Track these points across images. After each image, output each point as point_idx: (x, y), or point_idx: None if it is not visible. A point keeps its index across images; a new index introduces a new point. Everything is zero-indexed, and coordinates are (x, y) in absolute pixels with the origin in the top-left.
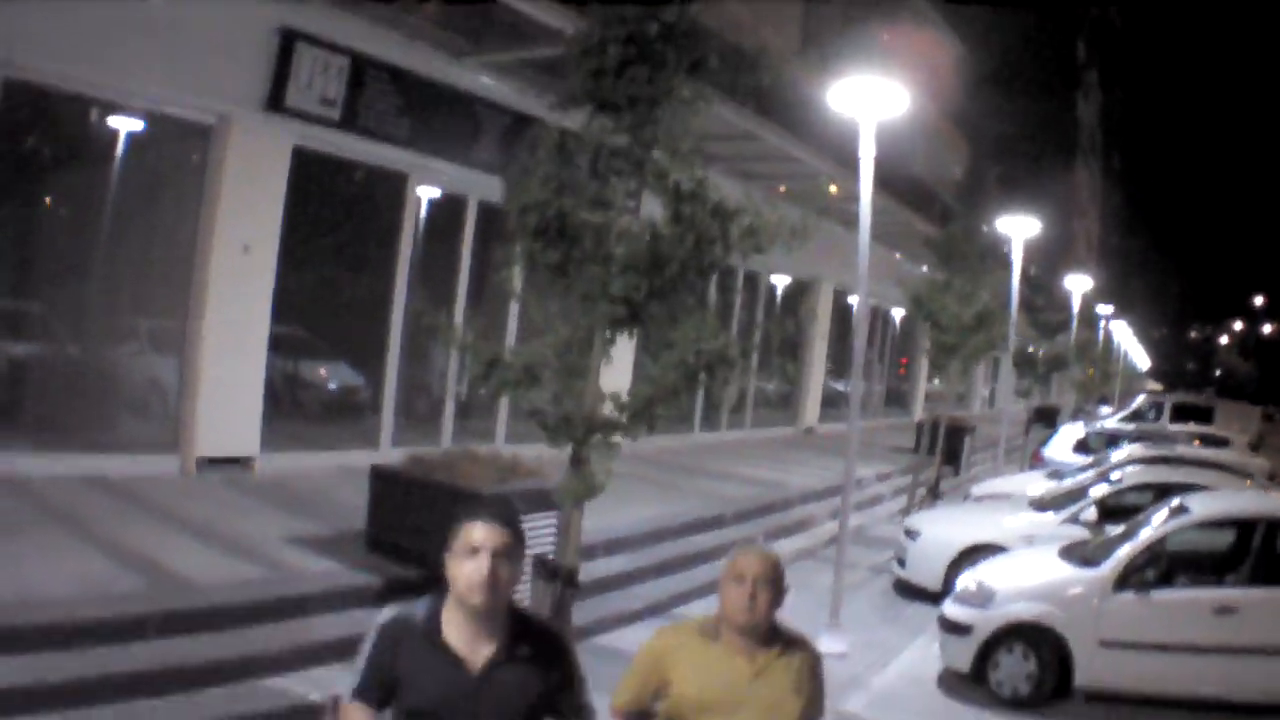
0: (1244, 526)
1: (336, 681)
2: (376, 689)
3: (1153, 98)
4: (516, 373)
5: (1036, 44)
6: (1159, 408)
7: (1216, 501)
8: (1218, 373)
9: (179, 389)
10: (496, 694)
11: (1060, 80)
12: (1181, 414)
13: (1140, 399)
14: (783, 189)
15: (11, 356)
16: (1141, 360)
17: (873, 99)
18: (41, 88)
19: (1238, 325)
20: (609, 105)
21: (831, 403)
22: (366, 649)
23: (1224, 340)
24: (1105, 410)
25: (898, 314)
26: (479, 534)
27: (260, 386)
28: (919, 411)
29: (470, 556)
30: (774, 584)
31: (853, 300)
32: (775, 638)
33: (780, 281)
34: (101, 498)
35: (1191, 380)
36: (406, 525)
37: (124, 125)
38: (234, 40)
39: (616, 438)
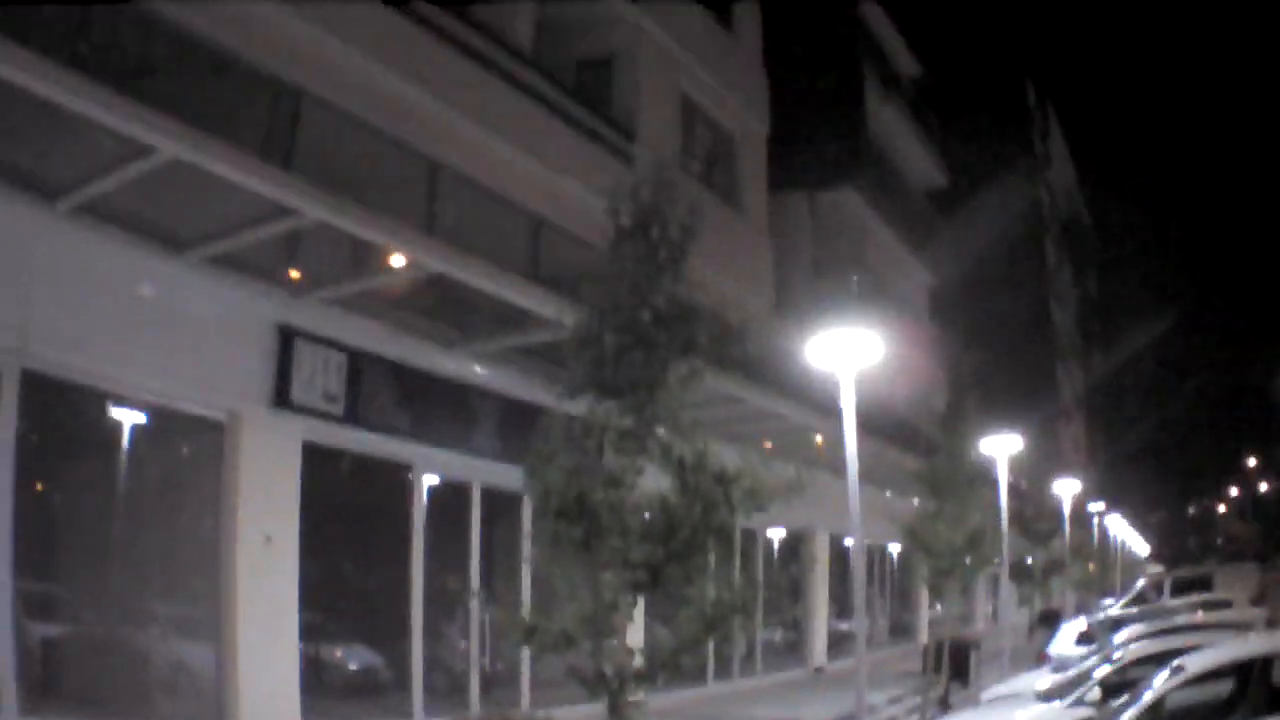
0: (1241, 669)
1: None
2: None
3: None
4: (555, 637)
5: (1005, 258)
6: (1159, 587)
7: (1209, 654)
8: (1219, 541)
9: (217, 675)
10: None
11: (1033, 287)
12: (1181, 588)
13: (1140, 583)
14: (768, 445)
15: (46, 638)
16: (1141, 547)
17: (849, 350)
18: (57, 380)
19: (1234, 491)
20: (610, 390)
21: (837, 643)
22: None
23: (1222, 509)
24: (1108, 602)
25: (894, 548)
26: None
27: (296, 670)
28: (924, 638)
29: None
30: None
31: (849, 543)
32: None
33: (777, 534)
34: None
35: (1194, 555)
36: None
37: (137, 419)
38: (237, 338)
39: (642, 693)
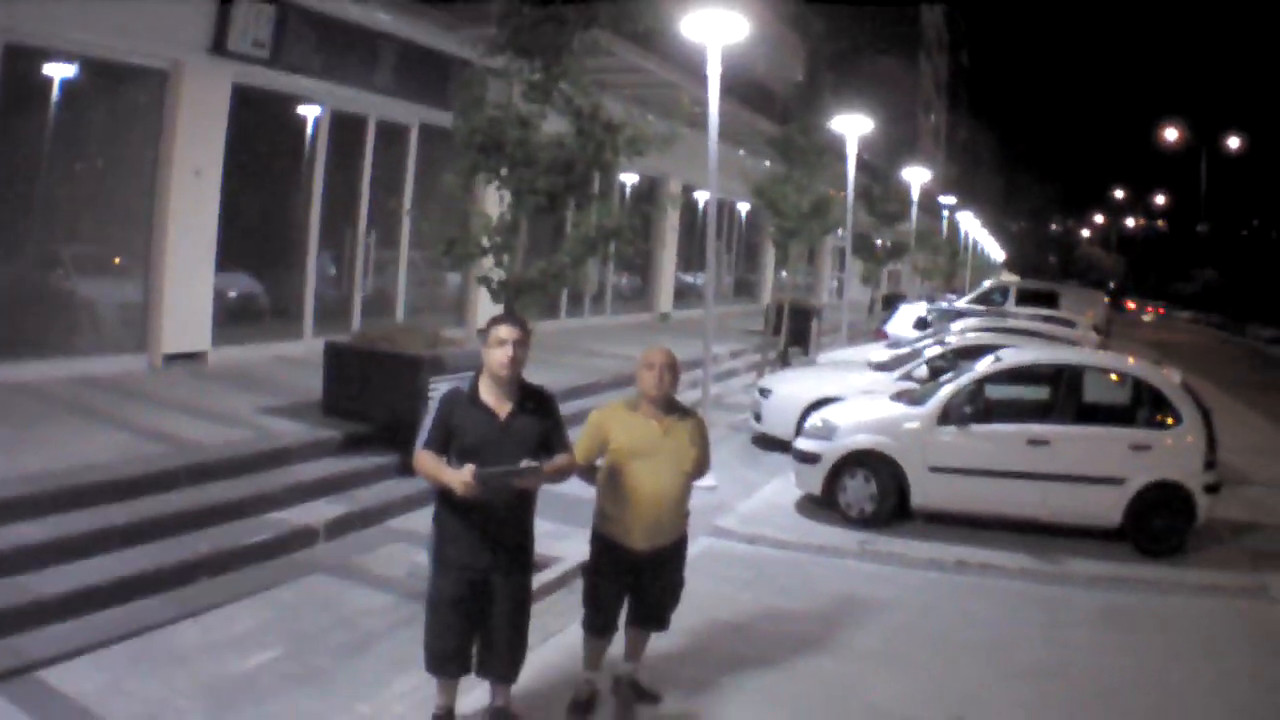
0: (1055, 373)
1: (320, 510)
2: (439, 439)
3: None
4: (470, 248)
5: None
6: (1004, 293)
7: (1027, 352)
8: (1080, 265)
9: (144, 304)
10: (516, 433)
11: None
12: (1026, 299)
13: (985, 284)
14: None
15: None
16: (996, 252)
17: (718, 27)
18: (38, 49)
19: (1099, 219)
20: (524, 51)
21: (682, 294)
22: (431, 413)
23: (1086, 234)
24: (952, 297)
25: (744, 208)
26: (504, 331)
27: (210, 292)
28: (767, 300)
29: (499, 346)
30: (673, 369)
31: (699, 196)
32: (675, 408)
33: (630, 180)
34: (94, 391)
35: (1052, 273)
36: (356, 389)
37: (94, 72)
38: None
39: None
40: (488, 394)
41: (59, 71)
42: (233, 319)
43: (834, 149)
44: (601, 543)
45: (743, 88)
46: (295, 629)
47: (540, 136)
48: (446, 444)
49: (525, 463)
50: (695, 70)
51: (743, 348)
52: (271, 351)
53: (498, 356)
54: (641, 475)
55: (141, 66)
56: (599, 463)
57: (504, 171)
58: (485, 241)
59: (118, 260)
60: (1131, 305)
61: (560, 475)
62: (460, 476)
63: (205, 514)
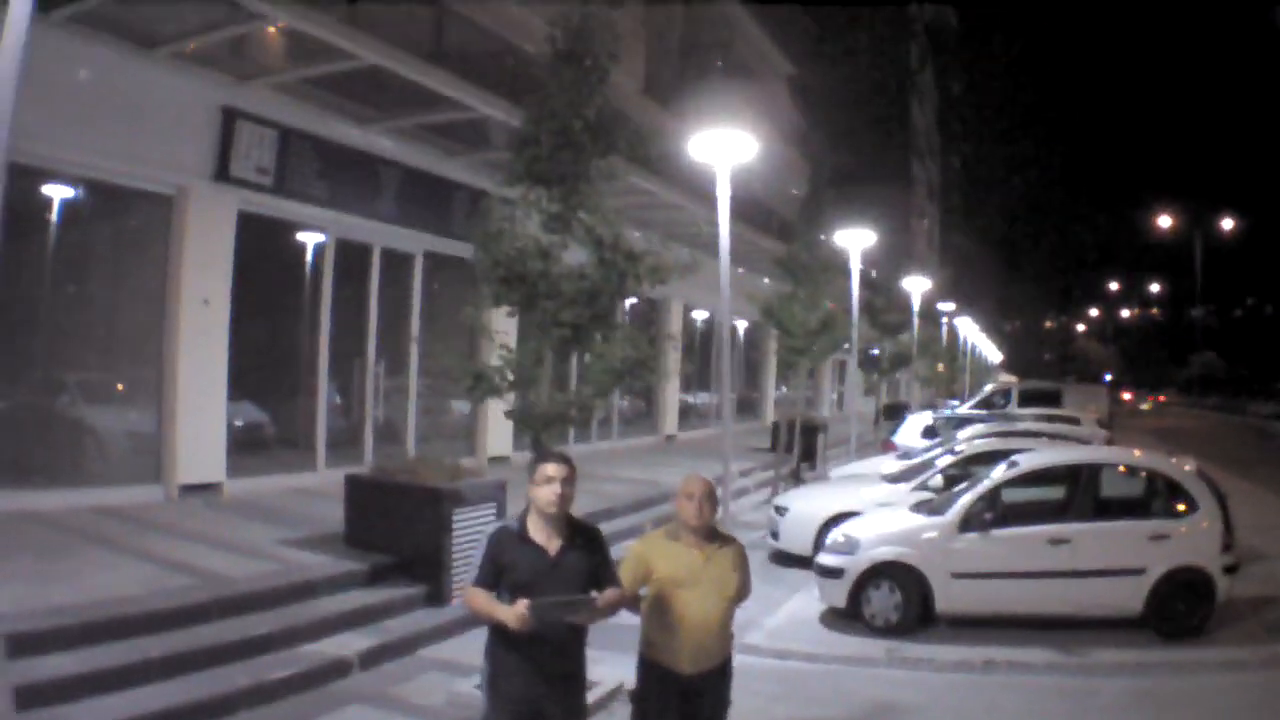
0: (1070, 473)
1: (352, 641)
2: (489, 576)
3: (992, 93)
4: (496, 383)
5: (869, 54)
6: (1006, 395)
7: (1041, 455)
8: (1075, 359)
9: (158, 427)
10: (566, 569)
11: (895, 87)
12: (1029, 399)
13: (987, 388)
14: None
15: (3, 409)
16: (993, 354)
17: (727, 148)
18: (43, 170)
19: (1094, 312)
20: (543, 180)
21: (685, 415)
22: (481, 551)
23: (1081, 328)
24: (955, 403)
25: (741, 325)
26: (551, 469)
27: (224, 423)
28: (770, 416)
29: (547, 484)
30: (712, 498)
31: (696, 316)
32: (715, 536)
33: (629, 302)
34: (113, 521)
35: (1049, 370)
36: (379, 521)
37: (99, 197)
38: (188, 122)
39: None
40: (536, 530)
41: (63, 194)
42: (240, 449)
43: (837, 264)
44: (649, 669)
45: (743, 206)
46: None
47: (562, 268)
48: (497, 581)
49: (581, 596)
50: (698, 190)
51: (751, 466)
52: (286, 483)
53: (546, 494)
54: (687, 603)
55: (147, 191)
56: (642, 592)
57: (526, 303)
58: (510, 375)
59: (121, 387)
60: (1129, 396)
61: (612, 610)
62: (514, 611)
63: (239, 647)
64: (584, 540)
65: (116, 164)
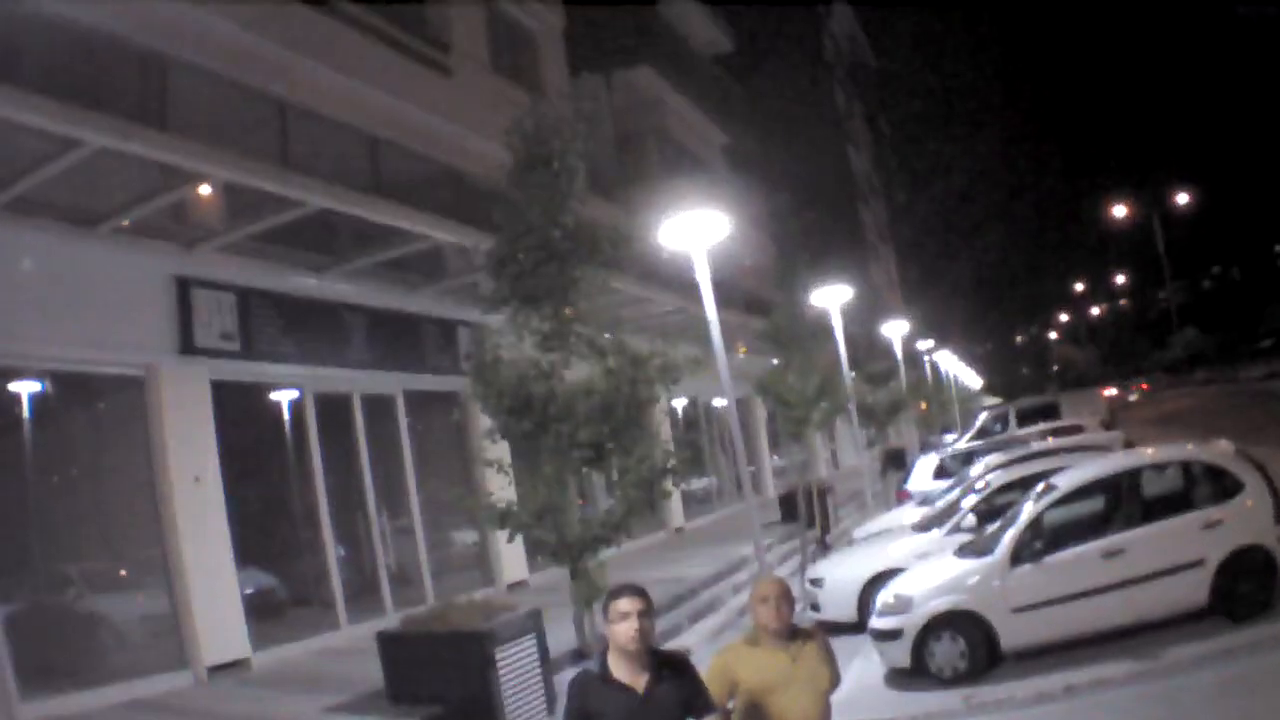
0: (1110, 484)
1: None
2: None
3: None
4: (525, 519)
5: (798, 106)
6: (1003, 419)
7: (1079, 472)
8: (1055, 369)
9: (172, 609)
10: (658, 704)
11: (827, 133)
12: (1028, 417)
13: (982, 416)
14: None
15: (13, 613)
16: (972, 380)
17: (700, 229)
18: (9, 368)
19: (1064, 318)
20: (530, 299)
21: (688, 503)
22: (564, 702)
23: (1054, 335)
24: (950, 438)
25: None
26: (625, 604)
27: (238, 596)
28: (771, 488)
29: (623, 620)
30: (787, 597)
31: (677, 404)
32: (797, 633)
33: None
34: (149, 715)
35: (1030, 384)
36: (420, 673)
37: (63, 388)
38: (142, 297)
39: (605, 551)
40: (620, 669)
41: (31, 389)
42: (256, 616)
43: (822, 326)
44: None
45: (724, 290)
46: None
47: (568, 386)
48: None
49: None
50: (666, 281)
51: (769, 541)
52: (311, 645)
53: (625, 630)
54: (785, 708)
55: (113, 375)
56: (730, 704)
57: (538, 429)
58: (535, 507)
59: (124, 573)
60: (1113, 392)
61: None
62: None
63: None
64: (671, 671)
65: (77, 351)
